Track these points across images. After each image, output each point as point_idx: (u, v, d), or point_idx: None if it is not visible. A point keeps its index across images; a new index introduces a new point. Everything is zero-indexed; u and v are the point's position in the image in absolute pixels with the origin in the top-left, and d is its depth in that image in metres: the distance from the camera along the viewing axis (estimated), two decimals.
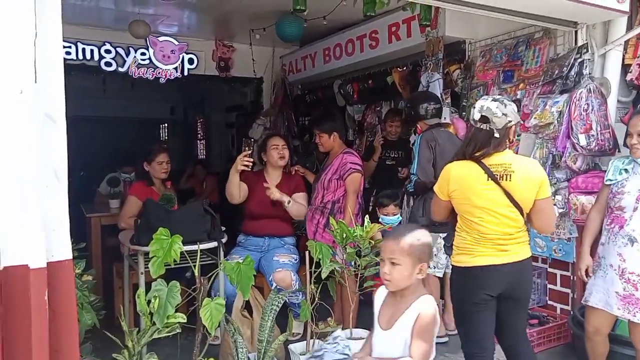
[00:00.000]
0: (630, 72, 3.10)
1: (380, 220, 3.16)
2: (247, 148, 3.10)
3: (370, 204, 4.11)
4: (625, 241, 2.30)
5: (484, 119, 2.05)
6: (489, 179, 2.01)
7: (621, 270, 2.30)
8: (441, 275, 3.41)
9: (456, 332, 3.14)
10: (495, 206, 2.02)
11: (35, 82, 1.53)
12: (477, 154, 2.05)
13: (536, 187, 2.03)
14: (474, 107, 2.10)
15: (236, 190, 3.22)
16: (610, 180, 2.40)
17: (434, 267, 3.33)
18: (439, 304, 3.65)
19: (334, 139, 3.28)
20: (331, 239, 3.09)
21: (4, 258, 1.49)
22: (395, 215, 3.19)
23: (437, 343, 3.16)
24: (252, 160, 3.08)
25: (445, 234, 3.14)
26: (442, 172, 2.15)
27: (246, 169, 3.09)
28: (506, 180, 2.01)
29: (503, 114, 2.03)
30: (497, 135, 2.04)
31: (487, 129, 2.04)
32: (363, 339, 2.82)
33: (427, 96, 3.51)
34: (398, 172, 4.05)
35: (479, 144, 2.05)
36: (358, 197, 3.34)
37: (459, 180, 2.06)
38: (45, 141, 1.54)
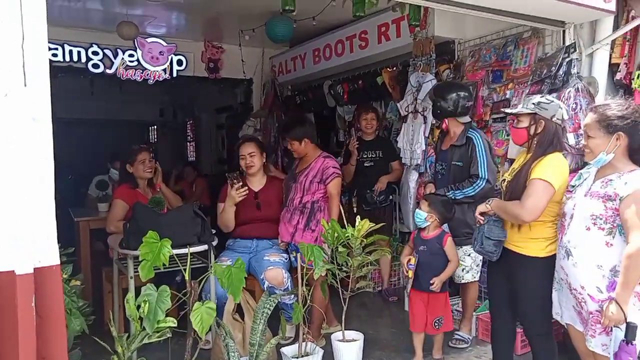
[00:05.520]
0: (619, 71, 3.14)
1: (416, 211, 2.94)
2: (235, 181, 3.15)
3: (354, 206, 4.08)
4: (563, 253, 2.11)
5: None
6: None
7: (568, 284, 2.10)
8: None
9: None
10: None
11: (25, 85, 1.51)
12: None
13: None
14: (564, 107, 2.29)
15: (232, 222, 3.27)
16: (572, 186, 2.20)
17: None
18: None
19: (305, 144, 3.23)
20: (312, 239, 3.09)
21: None
22: (424, 212, 2.82)
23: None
24: (246, 189, 3.19)
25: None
26: (555, 161, 2.21)
27: (244, 197, 3.18)
28: None
29: None
30: None
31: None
32: (356, 340, 2.82)
33: (457, 86, 3.22)
34: (381, 172, 3.96)
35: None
36: None
37: (567, 168, 2.26)
38: (30, 145, 1.52)
